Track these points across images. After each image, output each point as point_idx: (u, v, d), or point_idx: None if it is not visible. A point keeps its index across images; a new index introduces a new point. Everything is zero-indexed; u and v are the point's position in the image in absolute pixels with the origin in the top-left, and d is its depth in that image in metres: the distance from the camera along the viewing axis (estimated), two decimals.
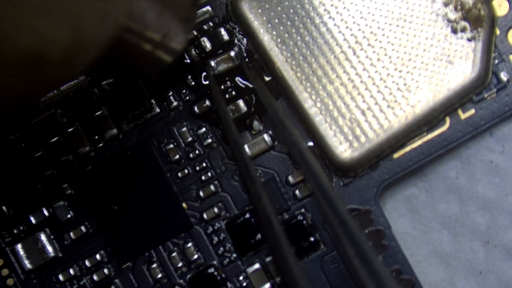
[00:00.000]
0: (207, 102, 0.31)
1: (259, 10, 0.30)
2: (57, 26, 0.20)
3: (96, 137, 0.31)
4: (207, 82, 0.31)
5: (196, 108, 0.31)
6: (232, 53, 0.31)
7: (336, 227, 0.26)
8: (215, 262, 0.31)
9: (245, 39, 0.31)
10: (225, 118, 0.30)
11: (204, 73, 0.31)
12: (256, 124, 0.31)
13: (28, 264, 0.30)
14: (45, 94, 0.23)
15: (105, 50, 0.22)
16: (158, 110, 0.31)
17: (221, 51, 0.31)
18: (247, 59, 0.31)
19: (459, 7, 0.30)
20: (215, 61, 0.31)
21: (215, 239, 0.31)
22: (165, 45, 0.27)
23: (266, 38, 0.30)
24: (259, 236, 0.30)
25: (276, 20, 0.30)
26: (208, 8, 0.31)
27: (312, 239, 0.30)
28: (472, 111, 0.31)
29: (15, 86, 0.21)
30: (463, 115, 0.31)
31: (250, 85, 0.31)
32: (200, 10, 0.31)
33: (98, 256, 0.31)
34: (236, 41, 0.31)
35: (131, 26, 0.25)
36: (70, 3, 0.20)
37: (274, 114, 0.30)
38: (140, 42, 0.26)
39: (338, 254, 0.30)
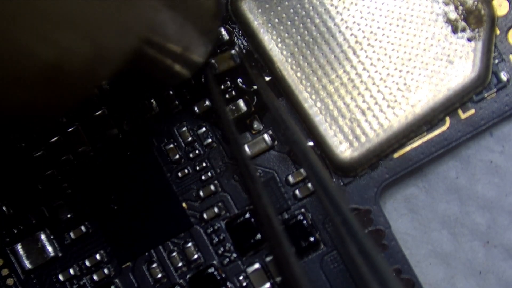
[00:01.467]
0: (207, 102, 0.31)
1: (259, 10, 0.30)
2: (79, 39, 0.20)
3: (96, 137, 0.31)
4: (207, 82, 0.31)
5: (196, 108, 0.31)
6: (233, 52, 0.31)
7: (339, 226, 0.26)
8: (215, 262, 0.31)
9: (245, 39, 0.31)
10: (225, 119, 0.30)
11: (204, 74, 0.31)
12: (256, 124, 0.31)
13: (28, 264, 0.30)
14: (67, 106, 0.23)
15: (126, 62, 0.22)
16: (158, 110, 0.31)
17: (220, 51, 0.31)
18: (248, 59, 0.31)
19: (459, 6, 0.30)
20: (215, 60, 0.31)
21: (215, 239, 0.31)
22: (186, 57, 0.27)
23: (266, 37, 0.30)
24: (259, 236, 0.30)
25: (276, 20, 0.30)
26: None
27: (312, 239, 0.30)
28: (472, 110, 0.31)
29: (37, 98, 0.21)
30: (463, 115, 0.31)
31: (251, 88, 0.31)
32: None
33: (98, 256, 0.31)
34: (236, 41, 0.31)
35: (153, 39, 0.24)
36: (92, 16, 0.20)
37: (276, 113, 0.30)
38: (161, 55, 0.26)
39: (338, 254, 0.30)
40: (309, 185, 0.31)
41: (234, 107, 0.31)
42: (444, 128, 0.31)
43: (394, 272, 0.30)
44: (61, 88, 0.21)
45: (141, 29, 0.22)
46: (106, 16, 0.21)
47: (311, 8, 0.30)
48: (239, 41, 0.31)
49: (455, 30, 0.30)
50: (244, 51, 0.31)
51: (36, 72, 0.20)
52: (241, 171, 0.30)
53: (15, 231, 0.31)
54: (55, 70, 0.20)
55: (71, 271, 0.31)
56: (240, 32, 0.31)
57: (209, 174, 0.31)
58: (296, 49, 0.30)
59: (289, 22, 0.30)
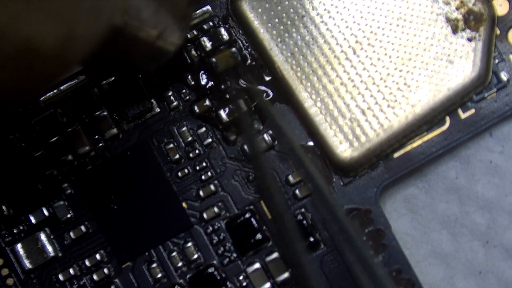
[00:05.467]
0: (207, 102, 0.31)
1: (259, 10, 0.30)
2: (51, 21, 0.20)
3: (96, 137, 0.31)
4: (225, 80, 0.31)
5: (196, 108, 0.31)
6: (233, 50, 0.31)
7: (336, 234, 0.26)
8: (215, 262, 0.31)
9: (245, 39, 0.31)
10: (240, 111, 0.29)
11: (203, 73, 0.31)
12: (256, 124, 0.31)
13: (28, 264, 0.30)
14: (39, 90, 0.23)
15: (99, 46, 0.22)
16: (158, 109, 0.31)
17: (220, 49, 0.31)
18: (246, 62, 0.31)
19: (459, 6, 0.30)
20: (216, 58, 0.31)
21: (215, 238, 0.31)
22: (162, 41, 0.27)
23: (266, 37, 0.30)
24: (259, 235, 0.30)
25: (276, 20, 0.30)
26: (208, 7, 0.31)
27: (312, 239, 0.30)
28: (472, 110, 0.31)
29: (7, 80, 0.21)
30: (463, 115, 0.31)
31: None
32: (200, 10, 0.31)
33: (98, 256, 0.31)
34: (236, 40, 0.31)
35: (127, 22, 0.25)
36: None
37: (271, 118, 0.29)
38: (136, 39, 0.26)
39: (338, 254, 0.30)
40: (310, 185, 0.31)
41: (234, 107, 0.31)
42: (444, 128, 0.31)
43: (393, 273, 0.30)
44: (33, 70, 0.21)
45: (114, 12, 0.22)
46: (77, 0, 0.21)
47: (311, 7, 0.30)
48: (240, 41, 0.31)
49: (455, 30, 0.30)
50: (242, 53, 0.31)
51: (7, 53, 0.20)
52: (254, 167, 0.30)
53: (15, 231, 0.31)
54: (26, 51, 0.20)
55: (71, 271, 0.31)
56: (240, 31, 0.31)
57: (209, 174, 0.31)
58: (296, 49, 0.30)
59: (289, 22, 0.30)
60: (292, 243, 0.27)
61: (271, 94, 0.31)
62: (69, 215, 0.31)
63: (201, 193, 0.31)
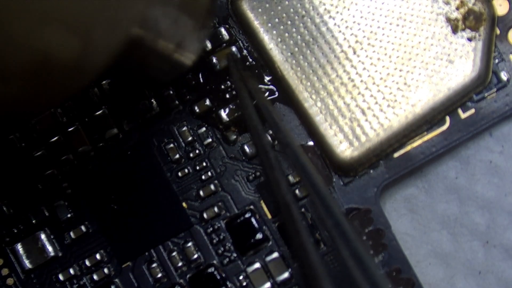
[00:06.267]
0: (207, 102, 0.31)
1: (259, 10, 0.30)
2: (67, 34, 0.20)
3: (97, 137, 0.31)
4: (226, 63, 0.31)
5: (196, 108, 0.31)
6: (233, 49, 0.31)
7: (331, 228, 0.26)
8: (215, 262, 0.31)
9: (245, 39, 0.31)
10: (244, 105, 0.29)
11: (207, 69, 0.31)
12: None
13: (28, 264, 0.30)
14: (56, 102, 0.23)
15: (116, 58, 0.22)
16: (158, 109, 0.31)
17: (220, 48, 0.31)
18: (246, 62, 0.31)
19: (459, 6, 0.30)
20: (216, 57, 0.31)
21: (215, 238, 0.31)
22: (179, 54, 0.27)
23: (266, 37, 0.31)
24: (259, 235, 0.30)
25: (276, 20, 0.30)
26: None
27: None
28: (472, 110, 0.31)
29: (23, 92, 0.21)
30: (463, 115, 0.31)
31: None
32: None
33: (98, 256, 0.31)
34: (236, 40, 0.31)
35: (144, 35, 0.24)
36: (80, 11, 0.20)
37: (268, 115, 0.29)
38: (153, 51, 0.26)
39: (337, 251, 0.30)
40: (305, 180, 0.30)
41: (234, 106, 0.31)
42: (444, 127, 0.31)
43: (393, 272, 0.30)
44: (49, 82, 0.21)
45: (131, 24, 0.22)
46: (95, 11, 0.21)
47: (311, 7, 0.30)
48: (240, 41, 0.31)
49: (455, 30, 0.30)
50: (239, 51, 0.31)
51: (23, 66, 0.20)
52: (260, 157, 0.30)
53: (15, 231, 0.31)
54: (42, 65, 0.20)
55: (71, 270, 0.31)
56: (240, 31, 0.31)
57: (209, 173, 0.31)
58: (296, 49, 0.30)
59: (289, 22, 0.30)
60: (299, 234, 0.26)
61: (276, 93, 0.31)
62: (69, 215, 0.31)
63: (201, 193, 0.31)
